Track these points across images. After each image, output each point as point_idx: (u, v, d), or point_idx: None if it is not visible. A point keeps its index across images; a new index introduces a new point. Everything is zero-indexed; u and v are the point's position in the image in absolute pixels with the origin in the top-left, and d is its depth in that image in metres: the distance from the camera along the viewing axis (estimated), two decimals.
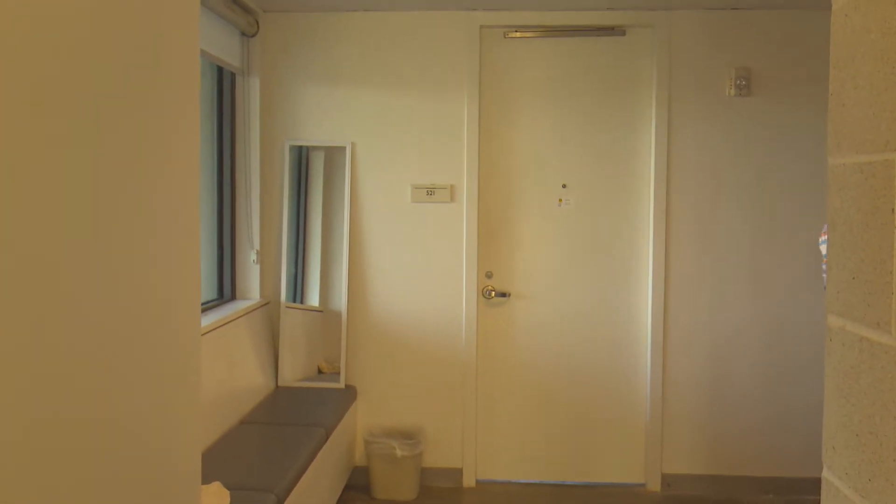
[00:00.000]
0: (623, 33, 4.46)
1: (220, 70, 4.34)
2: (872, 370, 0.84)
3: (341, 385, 4.52)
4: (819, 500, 1.02)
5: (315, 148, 4.65)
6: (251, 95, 4.49)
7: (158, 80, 1.48)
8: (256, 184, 4.52)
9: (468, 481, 4.61)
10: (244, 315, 4.17)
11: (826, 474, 0.98)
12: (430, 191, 4.51)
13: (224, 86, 4.41)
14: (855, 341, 0.88)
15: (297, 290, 4.70)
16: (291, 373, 4.55)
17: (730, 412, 4.49)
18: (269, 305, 4.57)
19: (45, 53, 1.11)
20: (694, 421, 4.52)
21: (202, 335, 1.85)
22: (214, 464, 3.27)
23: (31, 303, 1.09)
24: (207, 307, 4.16)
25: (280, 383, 4.50)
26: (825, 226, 3.00)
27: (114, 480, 1.34)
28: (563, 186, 4.52)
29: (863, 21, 0.87)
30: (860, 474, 0.88)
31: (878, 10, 0.84)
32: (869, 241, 0.85)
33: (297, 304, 4.67)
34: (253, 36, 4.45)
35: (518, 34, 4.49)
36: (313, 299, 4.71)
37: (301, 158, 4.68)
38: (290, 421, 3.94)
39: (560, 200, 4.53)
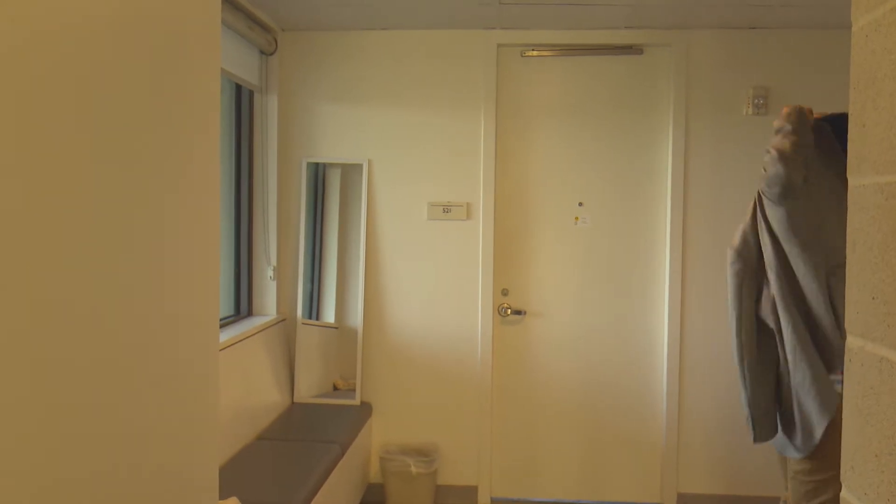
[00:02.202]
0: (640, 52, 4.47)
1: (238, 87, 4.38)
2: (892, 391, 0.84)
3: (356, 401, 4.52)
4: None
5: (332, 165, 4.67)
6: (269, 113, 4.52)
7: (180, 98, 1.49)
8: (273, 200, 4.54)
9: (483, 499, 4.59)
10: (261, 331, 4.18)
11: (845, 494, 0.97)
12: (447, 208, 4.52)
13: (242, 103, 4.45)
14: (874, 362, 0.88)
15: (314, 306, 4.72)
16: (307, 389, 4.56)
17: (747, 431, 4.46)
18: (285, 322, 4.58)
19: (68, 75, 1.13)
20: (711, 440, 4.49)
21: (219, 351, 1.86)
22: (231, 479, 3.28)
23: (48, 317, 1.10)
24: (224, 323, 4.18)
25: (296, 399, 4.51)
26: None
27: (131, 496, 1.35)
28: (580, 205, 4.52)
29: (884, 42, 0.87)
30: (879, 495, 0.88)
31: None
32: (889, 261, 0.85)
33: (314, 321, 4.68)
34: (271, 54, 4.48)
35: (535, 53, 4.51)
36: (329, 316, 4.73)
37: (318, 175, 4.70)
38: (305, 437, 3.95)
39: (576, 218, 4.53)
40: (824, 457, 2.72)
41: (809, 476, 2.76)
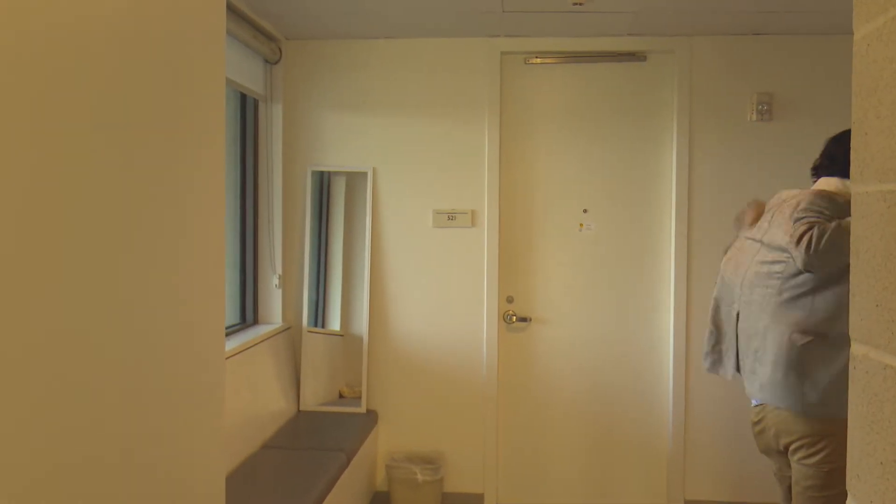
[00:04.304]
0: (644, 59, 4.47)
1: (243, 97, 4.39)
2: None
3: (362, 409, 4.52)
4: None
5: (337, 173, 4.68)
6: (274, 122, 4.53)
7: (185, 107, 1.50)
8: (279, 209, 4.55)
9: None
10: (266, 339, 4.19)
11: (851, 503, 0.97)
12: (452, 216, 4.52)
13: (247, 112, 4.46)
14: (879, 369, 0.88)
15: (319, 314, 4.72)
16: (313, 397, 4.56)
17: (753, 437, 4.46)
18: (290, 330, 4.58)
19: (73, 86, 1.13)
20: (717, 446, 4.48)
21: (225, 360, 1.86)
22: (237, 488, 3.28)
23: (54, 324, 1.10)
24: (230, 332, 4.18)
25: (302, 407, 4.51)
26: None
27: None
28: (584, 211, 4.52)
29: (885, 51, 0.87)
30: None
31: None
32: (892, 269, 0.85)
33: (319, 329, 4.68)
34: (276, 63, 4.50)
35: (539, 60, 4.51)
36: (335, 324, 4.73)
37: (323, 184, 4.71)
38: (311, 445, 3.95)
39: (581, 225, 4.54)
40: (836, 471, 2.69)
41: (820, 492, 2.73)
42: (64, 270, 1.10)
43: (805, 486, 2.78)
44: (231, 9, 3.72)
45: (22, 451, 1.03)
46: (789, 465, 2.93)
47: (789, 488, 2.98)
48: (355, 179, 4.66)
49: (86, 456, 1.18)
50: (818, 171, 2.99)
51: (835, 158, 2.88)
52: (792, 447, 2.83)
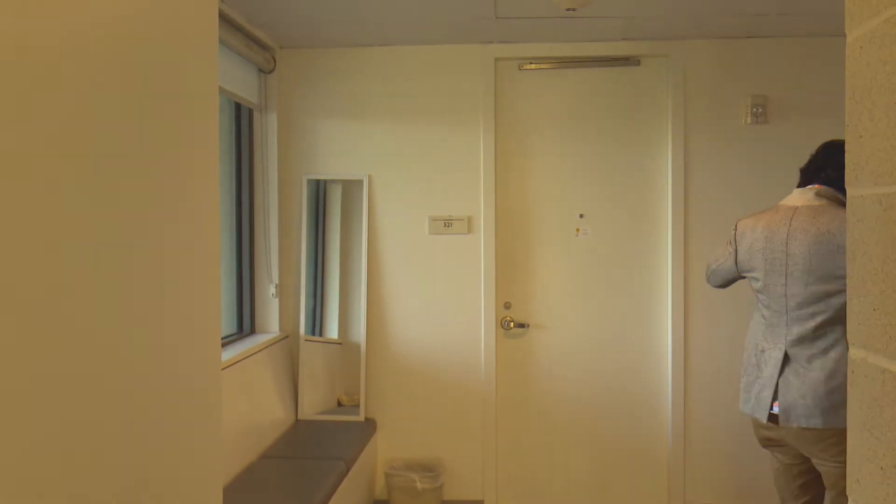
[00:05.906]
0: (638, 63, 4.47)
1: (237, 106, 4.39)
2: (895, 403, 0.84)
3: (361, 418, 4.51)
4: None
5: (332, 181, 4.67)
6: (269, 131, 4.53)
7: (178, 118, 1.50)
8: (275, 218, 4.54)
9: None
10: (264, 349, 4.18)
11: None
12: (448, 222, 4.52)
13: (242, 122, 4.45)
14: (877, 373, 0.88)
15: (316, 322, 4.71)
16: (311, 406, 4.55)
17: (754, 441, 4.44)
18: (288, 339, 4.58)
19: (67, 94, 1.13)
20: (717, 451, 4.47)
21: (222, 370, 1.85)
22: (236, 499, 3.27)
23: (48, 334, 1.10)
24: (227, 341, 4.17)
25: (300, 416, 4.49)
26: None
27: None
28: (581, 216, 4.52)
29: (878, 53, 0.87)
30: None
31: (893, 43, 0.84)
32: (889, 272, 0.85)
33: (317, 337, 4.67)
34: (270, 72, 4.49)
35: (533, 66, 4.52)
36: (332, 332, 4.72)
37: (319, 192, 4.71)
38: (310, 454, 3.94)
39: (577, 230, 4.53)
40: None
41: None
42: (55, 280, 1.10)
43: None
44: (224, 18, 3.72)
45: (21, 462, 1.02)
46: (799, 455, 2.92)
47: (794, 476, 2.97)
48: (351, 187, 4.66)
49: (80, 465, 1.17)
50: (806, 173, 3.00)
51: (821, 168, 2.91)
52: (818, 448, 2.80)
